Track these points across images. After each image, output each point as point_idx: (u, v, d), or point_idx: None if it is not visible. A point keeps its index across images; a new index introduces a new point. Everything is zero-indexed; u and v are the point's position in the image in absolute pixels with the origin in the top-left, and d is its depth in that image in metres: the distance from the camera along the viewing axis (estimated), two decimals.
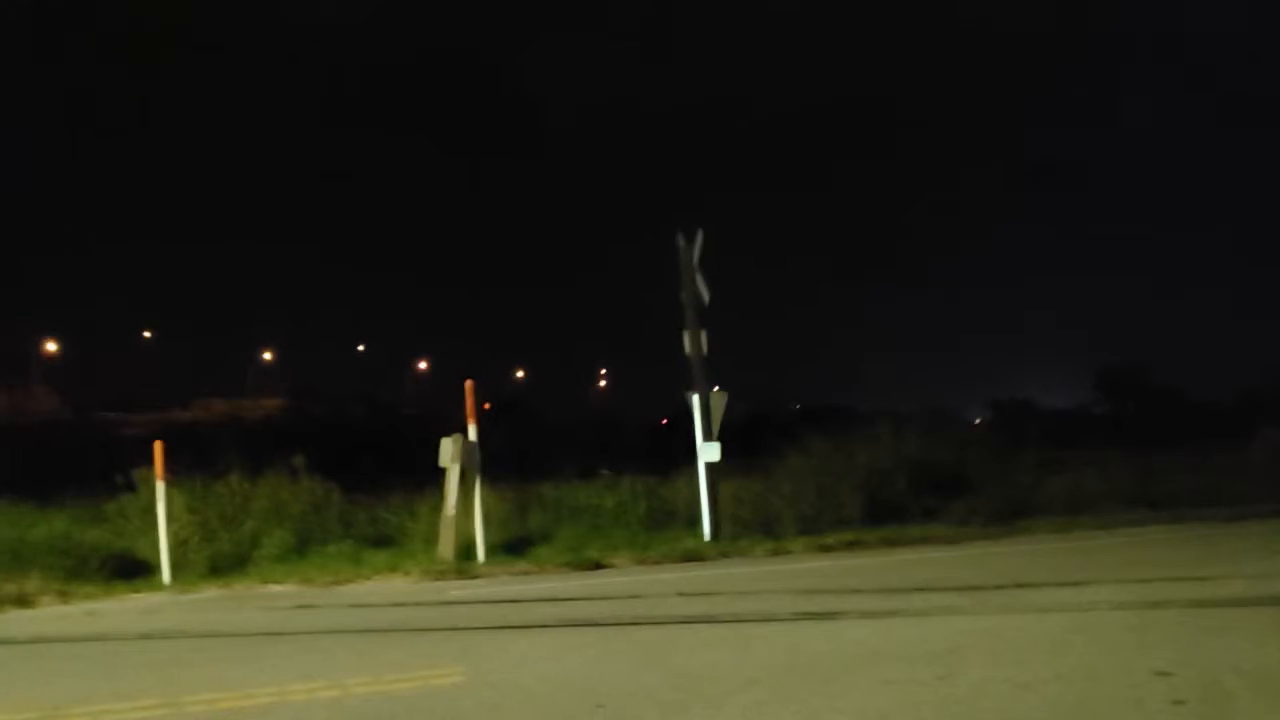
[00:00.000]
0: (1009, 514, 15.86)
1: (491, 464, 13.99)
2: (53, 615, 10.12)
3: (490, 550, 13.20)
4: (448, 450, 13.39)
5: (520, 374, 73.66)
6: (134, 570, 12.61)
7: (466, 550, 13.10)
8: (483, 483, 13.52)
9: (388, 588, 11.52)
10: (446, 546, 13.03)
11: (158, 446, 12.70)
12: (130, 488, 13.82)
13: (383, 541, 14.41)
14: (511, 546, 13.80)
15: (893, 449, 17.04)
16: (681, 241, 15.47)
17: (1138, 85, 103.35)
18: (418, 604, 9.99)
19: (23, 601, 10.65)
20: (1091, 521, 15.53)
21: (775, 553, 13.50)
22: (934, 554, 12.90)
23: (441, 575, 12.11)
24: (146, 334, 67.51)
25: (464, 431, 13.50)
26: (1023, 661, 6.19)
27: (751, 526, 14.95)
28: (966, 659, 6.31)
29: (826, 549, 13.73)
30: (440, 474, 13.48)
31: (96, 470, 16.50)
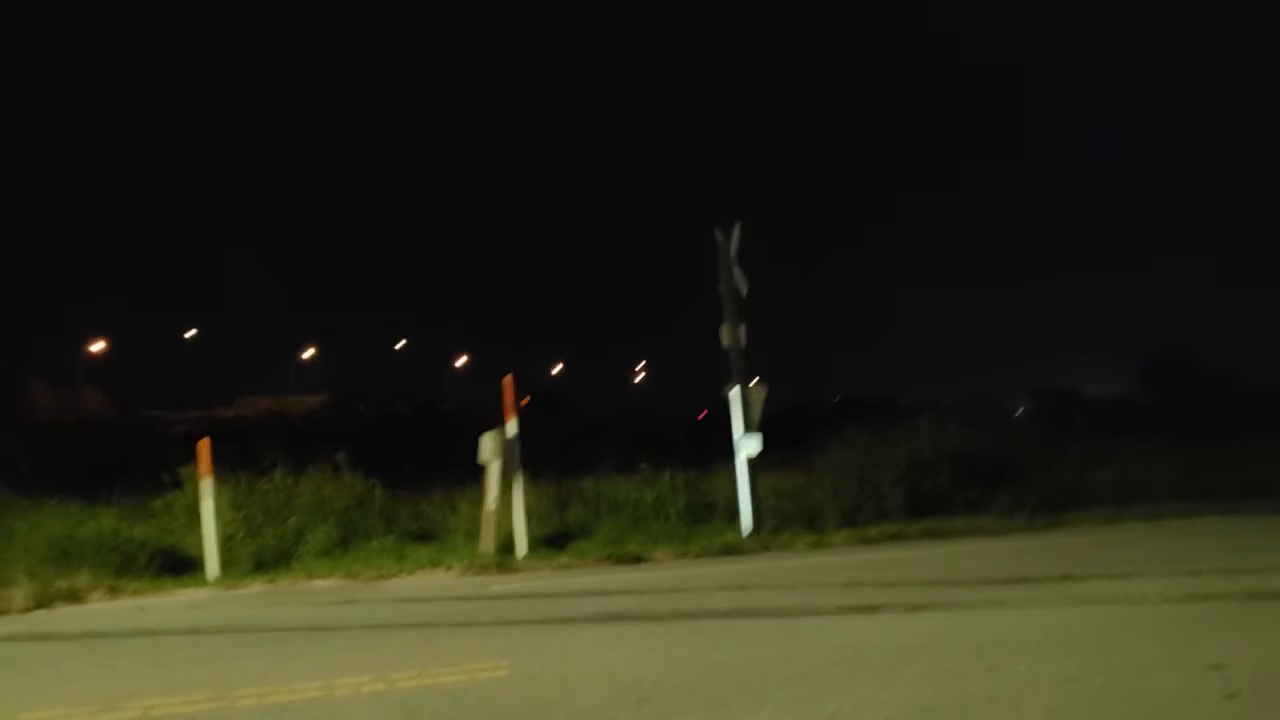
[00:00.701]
0: (1054, 506, 15.63)
1: (531, 458, 14.02)
2: (103, 611, 10.27)
3: (531, 544, 13.23)
4: (487, 446, 13.44)
5: (558, 368, 73.96)
6: (181, 566, 12.76)
7: (507, 544, 13.14)
8: (523, 477, 13.55)
9: (430, 582, 11.59)
10: (488, 541, 13.09)
11: (203, 444, 12.85)
12: (176, 485, 13.99)
13: (425, 536, 14.48)
14: (552, 541, 13.82)
15: (935, 440, 16.87)
16: (719, 235, 15.41)
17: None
18: (460, 598, 10.03)
19: (73, 597, 10.81)
20: (1139, 513, 15.29)
21: (817, 546, 13.42)
22: (978, 546, 12.77)
23: (483, 570, 12.16)
24: (190, 332, 68.36)
25: (503, 427, 13.53)
26: (1071, 655, 6.11)
27: (792, 519, 14.86)
28: (1013, 652, 6.24)
29: (869, 542, 13.63)
30: (480, 469, 13.54)
31: (143, 468, 16.70)
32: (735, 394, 14.95)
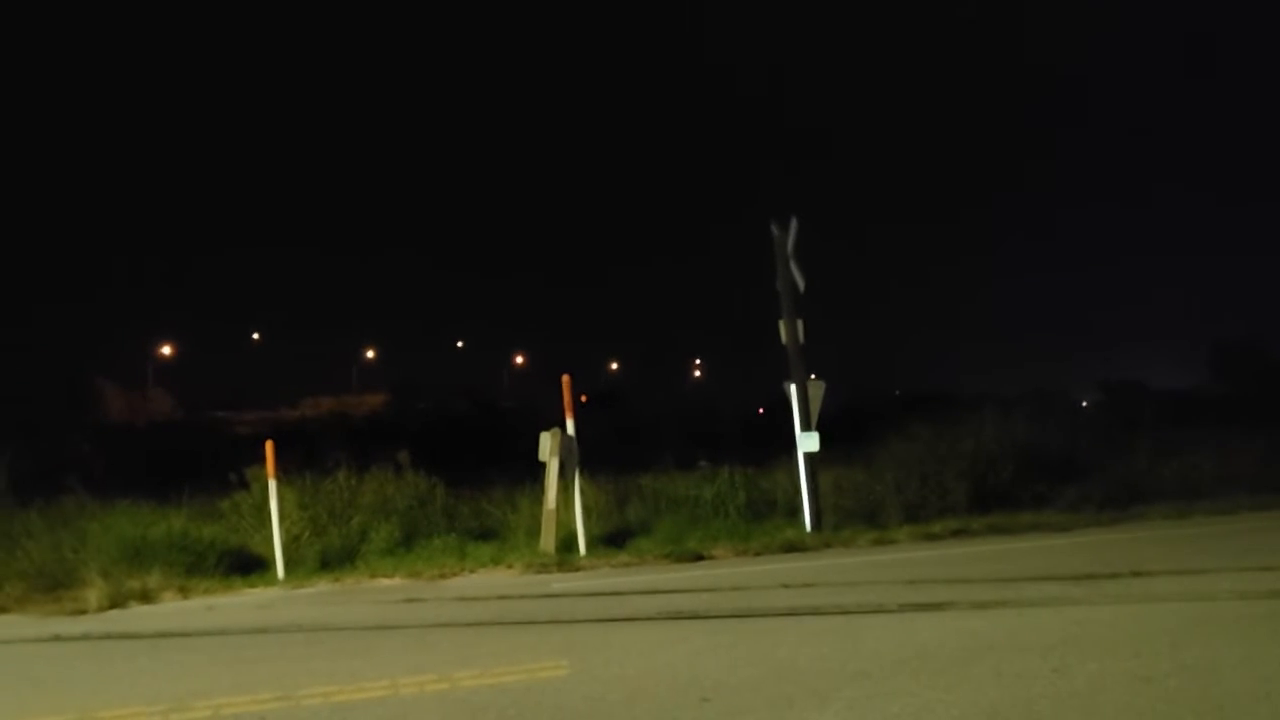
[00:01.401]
0: (1123, 500, 15.36)
1: (589, 456, 14.06)
2: (174, 610, 10.48)
3: (591, 542, 13.27)
4: (546, 444, 13.51)
5: (614, 366, 74.14)
6: (249, 565, 12.97)
7: (567, 542, 13.19)
8: (581, 475, 13.60)
9: (492, 580, 11.67)
10: (548, 539, 13.15)
11: (269, 446, 13.04)
12: (244, 485, 14.22)
13: (486, 534, 14.59)
14: (611, 538, 13.86)
15: (999, 434, 16.63)
16: (775, 230, 15.31)
17: None
18: (521, 597, 10.08)
19: (146, 597, 11.05)
20: (1210, 507, 14.96)
21: (879, 542, 13.31)
22: (1045, 542, 12.58)
23: (544, 568, 12.22)
24: (255, 336, 69.60)
25: (562, 425, 13.59)
26: (1141, 653, 5.99)
27: (854, 516, 14.75)
28: (1082, 651, 6.13)
29: (932, 538, 13.47)
30: (540, 466, 13.61)
31: (211, 469, 17.00)
32: (794, 390, 14.86)
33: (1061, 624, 7.04)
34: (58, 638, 8.83)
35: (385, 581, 11.95)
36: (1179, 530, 13.17)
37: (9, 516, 13.77)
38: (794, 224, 15.28)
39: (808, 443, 14.53)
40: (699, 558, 12.66)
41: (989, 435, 16.53)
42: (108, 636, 8.84)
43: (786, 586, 9.57)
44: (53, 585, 11.39)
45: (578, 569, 12.22)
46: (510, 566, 12.42)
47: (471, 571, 12.27)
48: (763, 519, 15.17)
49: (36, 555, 12.15)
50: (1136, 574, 9.01)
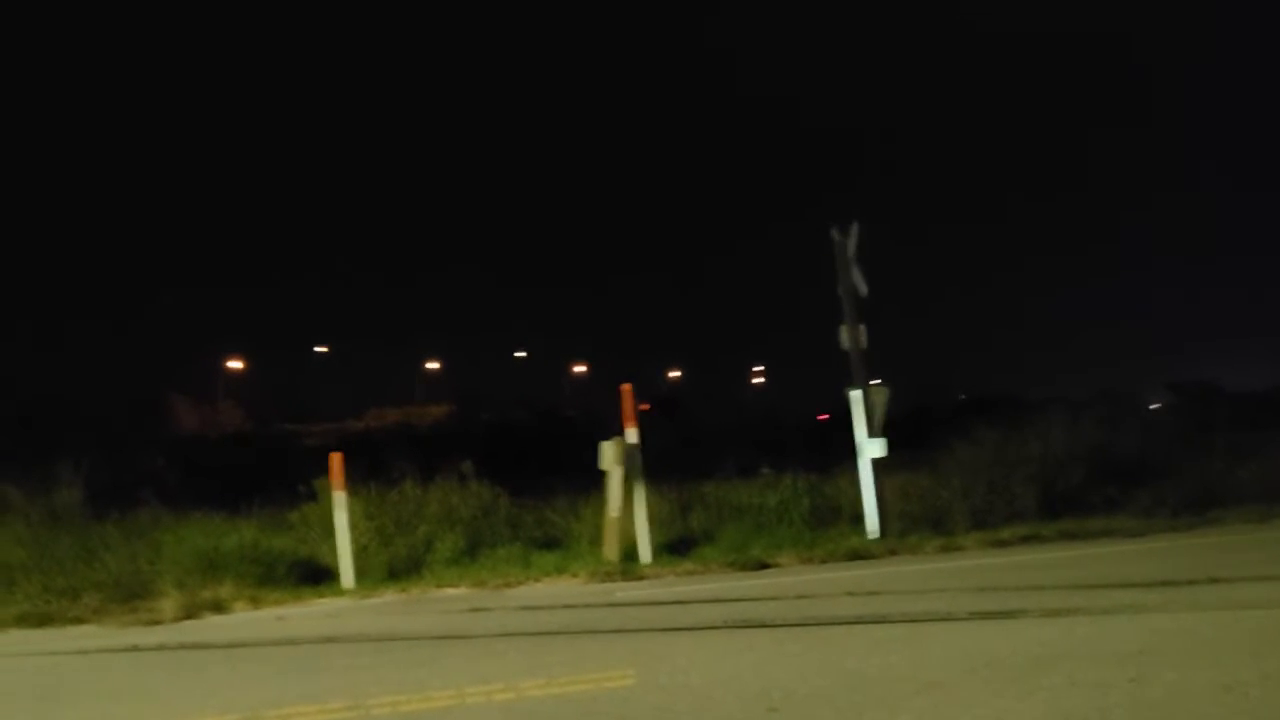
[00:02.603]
0: (1199, 504, 14.94)
1: (651, 464, 14.03)
2: (245, 620, 10.66)
3: (654, 551, 13.24)
4: (608, 454, 13.52)
5: (675, 373, 74.07)
6: (318, 576, 13.14)
7: (631, 551, 13.18)
8: (644, 484, 13.58)
9: (556, 590, 11.70)
10: (611, 548, 13.16)
11: (335, 458, 13.21)
12: (311, 497, 14.41)
13: (549, 543, 14.62)
14: (675, 547, 13.82)
15: (1067, 437, 16.31)
16: (836, 235, 15.17)
17: None
18: (586, 606, 10.10)
19: (218, 607, 11.24)
20: None
21: (946, 549, 13.10)
22: (1118, 547, 12.30)
23: (608, 576, 12.22)
24: (321, 349, 70.66)
25: (623, 434, 13.59)
26: (1222, 663, 5.83)
27: (919, 522, 14.54)
28: (1160, 660, 5.98)
29: (1001, 544, 13.24)
30: (602, 474, 13.62)
31: (280, 480, 17.24)
32: (857, 397, 14.71)
33: (1138, 632, 6.88)
34: (135, 648, 9.02)
35: (451, 591, 12.04)
36: (1258, 535, 12.80)
37: (87, 529, 14.12)
38: (855, 228, 15.12)
39: (872, 449, 14.37)
40: (763, 566, 12.58)
41: (1057, 438, 16.22)
42: (182, 646, 9.01)
43: (852, 595, 9.46)
44: (129, 596, 11.63)
45: (641, 577, 12.21)
46: (574, 575, 12.45)
47: (536, 580, 12.31)
48: (827, 526, 15.02)
49: (113, 567, 12.43)
50: (1214, 580, 8.77)
